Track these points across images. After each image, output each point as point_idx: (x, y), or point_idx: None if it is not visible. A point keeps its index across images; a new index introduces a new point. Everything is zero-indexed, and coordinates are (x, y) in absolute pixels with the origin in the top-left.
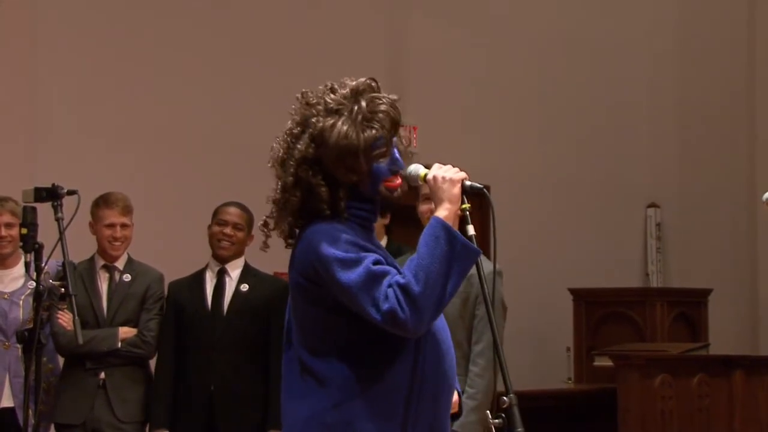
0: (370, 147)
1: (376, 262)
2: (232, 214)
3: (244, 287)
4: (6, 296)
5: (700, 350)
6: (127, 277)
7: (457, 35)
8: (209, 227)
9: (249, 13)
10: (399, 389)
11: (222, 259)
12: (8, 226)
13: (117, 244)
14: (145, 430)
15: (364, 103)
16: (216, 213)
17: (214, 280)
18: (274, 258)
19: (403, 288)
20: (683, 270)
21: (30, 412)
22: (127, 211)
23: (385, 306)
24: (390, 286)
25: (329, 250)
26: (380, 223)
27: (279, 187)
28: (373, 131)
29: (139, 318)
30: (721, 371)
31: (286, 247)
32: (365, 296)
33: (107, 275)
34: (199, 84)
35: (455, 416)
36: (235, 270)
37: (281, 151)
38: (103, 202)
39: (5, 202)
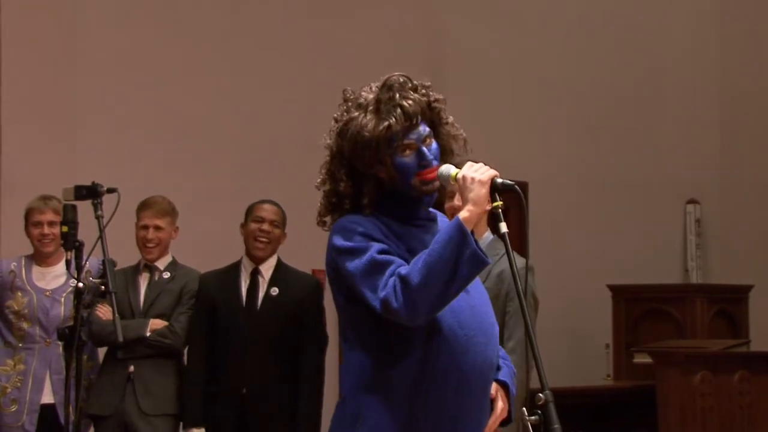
0: (386, 140)
1: (381, 252)
2: (269, 211)
3: (274, 291)
4: (48, 293)
5: (741, 347)
6: (166, 275)
7: (496, 32)
8: (243, 225)
9: (286, 9)
10: (406, 380)
11: (257, 260)
12: (51, 224)
13: (150, 246)
14: (175, 424)
15: (386, 98)
16: (251, 210)
17: (248, 281)
18: (308, 254)
19: (403, 278)
20: (723, 266)
21: (70, 408)
22: (163, 213)
23: (382, 293)
24: (392, 275)
25: (340, 241)
26: None
27: (320, 180)
28: (387, 124)
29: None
30: (763, 368)
31: None
32: (366, 283)
33: (148, 274)
34: (235, 82)
35: (505, 422)
36: (268, 270)
37: (326, 147)
38: (142, 204)
39: (49, 200)
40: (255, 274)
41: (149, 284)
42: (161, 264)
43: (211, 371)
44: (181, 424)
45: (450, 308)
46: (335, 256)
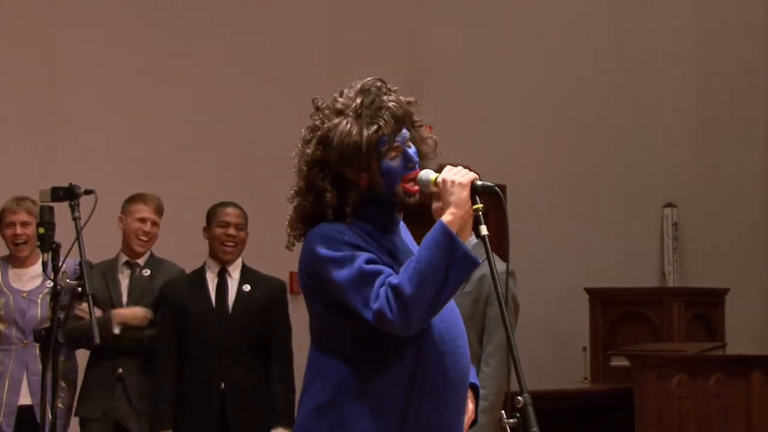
0: (375, 144)
1: (369, 261)
2: (233, 215)
3: (247, 287)
4: (24, 295)
5: (717, 350)
6: (146, 272)
7: (474, 35)
8: (207, 229)
9: (269, 13)
10: (396, 388)
11: (226, 262)
12: (24, 224)
13: (144, 239)
14: None
15: (368, 101)
16: (215, 214)
17: (216, 280)
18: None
19: (395, 289)
20: (700, 270)
21: (47, 409)
22: (160, 210)
23: (374, 305)
24: (382, 285)
25: (324, 250)
26: None
27: (293, 192)
28: (376, 127)
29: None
30: (739, 371)
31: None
32: (357, 294)
33: (129, 272)
34: (215, 84)
35: (473, 423)
36: (235, 270)
37: (297, 158)
38: (138, 197)
39: (22, 201)
40: (222, 274)
41: (131, 282)
42: (141, 260)
43: (185, 373)
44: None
45: (439, 314)
46: (318, 265)
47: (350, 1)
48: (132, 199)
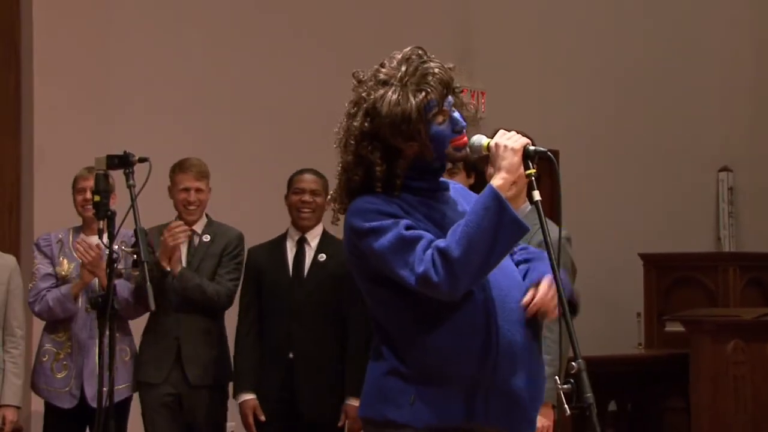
0: (424, 110)
1: (408, 227)
2: (308, 181)
3: (322, 257)
4: None
5: None
6: (206, 238)
7: (523, 3)
8: (286, 197)
9: None
10: (461, 358)
11: (304, 228)
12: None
13: (192, 208)
14: (223, 395)
15: (412, 69)
16: (292, 182)
17: (294, 249)
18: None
19: (442, 252)
20: (756, 234)
21: (104, 377)
22: (202, 176)
23: (419, 269)
24: (426, 249)
25: (359, 223)
26: (466, 183)
27: (340, 167)
28: (423, 94)
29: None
30: None
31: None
32: (399, 260)
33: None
34: (268, 53)
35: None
36: (314, 239)
37: (341, 133)
38: (178, 167)
39: (93, 169)
40: (302, 243)
41: (189, 250)
42: (198, 227)
43: (259, 339)
44: (231, 390)
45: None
46: (356, 240)
47: None
48: (173, 170)
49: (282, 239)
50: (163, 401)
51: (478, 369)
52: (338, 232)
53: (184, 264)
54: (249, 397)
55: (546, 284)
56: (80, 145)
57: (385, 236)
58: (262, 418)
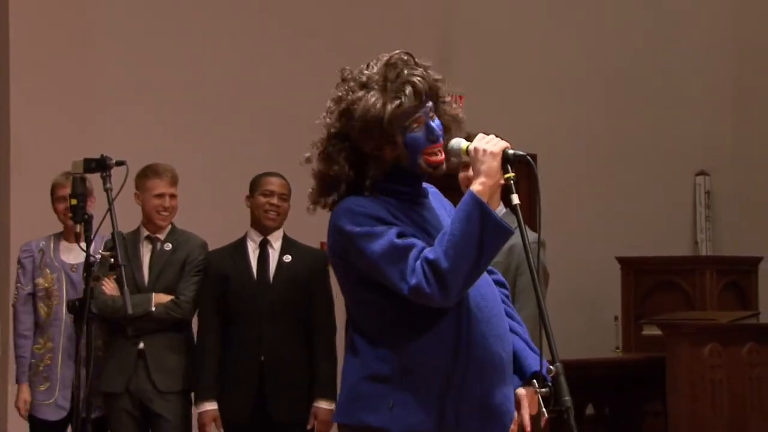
0: (399, 117)
1: (399, 235)
2: (277, 184)
3: (287, 258)
4: (74, 268)
5: (750, 319)
6: (167, 246)
7: (504, 2)
8: (249, 197)
9: None
10: (436, 364)
11: (267, 230)
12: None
13: (165, 214)
14: (189, 400)
15: (393, 75)
16: (258, 183)
17: (257, 251)
18: (310, 230)
19: (431, 264)
20: (733, 238)
21: (81, 382)
22: (175, 181)
23: (412, 280)
24: (417, 259)
25: (350, 227)
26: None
27: (312, 156)
28: (399, 101)
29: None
30: None
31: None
32: (392, 269)
33: (150, 246)
34: (241, 56)
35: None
36: (277, 240)
37: (322, 127)
38: (152, 172)
39: (71, 175)
40: (264, 245)
41: (152, 256)
42: (161, 234)
43: (224, 344)
44: (193, 398)
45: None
46: (344, 242)
47: None
48: (145, 174)
49: (242, 242)
50: (126, 410)
51: (449, 375)
52: (299, 235)
53: (146, 271)
54: (210, 407)
55: (526, 408)
56: (58, 147)
57: (377, 242)
58: (221, 431)
